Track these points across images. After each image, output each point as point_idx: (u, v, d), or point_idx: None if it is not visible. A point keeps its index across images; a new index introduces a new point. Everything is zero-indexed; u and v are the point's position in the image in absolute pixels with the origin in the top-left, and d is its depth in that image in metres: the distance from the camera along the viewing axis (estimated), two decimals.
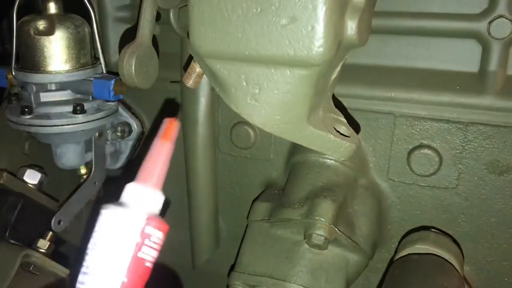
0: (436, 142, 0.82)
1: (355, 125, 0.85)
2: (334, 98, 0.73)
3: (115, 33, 1.01)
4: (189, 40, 0.61)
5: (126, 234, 0.43)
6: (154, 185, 0.47)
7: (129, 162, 1.07)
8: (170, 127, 0.48)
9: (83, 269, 0.43)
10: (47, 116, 0.85)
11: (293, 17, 0.54)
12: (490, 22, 0.75)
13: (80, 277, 0.43)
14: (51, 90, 0.87)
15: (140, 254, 0.43)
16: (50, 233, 0.90)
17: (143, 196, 0.45)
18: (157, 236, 0.44)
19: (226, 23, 0.57)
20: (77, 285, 0.43)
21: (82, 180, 0.97)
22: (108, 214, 0.44)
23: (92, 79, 0.87)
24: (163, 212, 0.47)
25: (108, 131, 0.98)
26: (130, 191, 0.46)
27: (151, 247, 0.44)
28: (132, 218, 0.43)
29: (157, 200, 0.46)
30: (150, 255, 0.44)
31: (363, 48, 0.63)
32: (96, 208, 1.06)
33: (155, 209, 0.46)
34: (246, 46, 0.57)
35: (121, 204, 0.45)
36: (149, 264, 0.44)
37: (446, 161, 0.82)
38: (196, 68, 0.69)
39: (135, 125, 1.04)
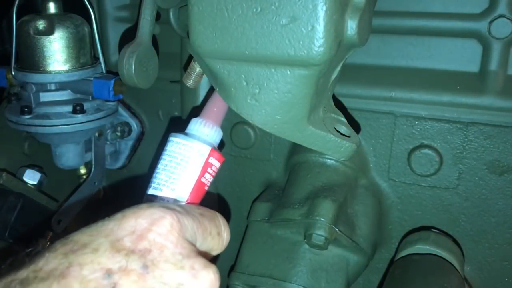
0: (437, 142, 0.82)
1: (355, 125, 0.85)
2: (334, 98, 0.73)
3: (115, 33, 1.01)
4: (189, 39, 0.61)
5: (194, 161, 0.50)
6: (216, 122, 0.55)
7: (129, 162, 1.07)
8: None
9: (153, 185, 0.50)
10: (47, 116, 0.85)
11: (293, 16, 0.54)
12: (490, 22, 0.75)
13: (150, 191, 0.49)
14: (50, 90, 0.87)
15: (202, 179, 0.50)
16: (50, 233, 0.90)
17: (207, 130, 0.54)
18: (216, 166, 0.52)
19: (226, 22, 0.57)
20: (147, 197, 0.49)
21: (82, 180, 0.97)
22: (178, 142, 0.51)
23: (92, 79, 0.87)
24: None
25: (108, 131, 0.98)
26: (196, 124, 0.54)
27: (210, 174, 0.51)
28: (200, 149, 0.51)
29: (217, 135, 0.54)
30: (208, 180, 0.51)
31: (363, 48, 0.63)
32: (96, 208, 1.06)
33: (215, 142, 0.54)
34: (246, 46, 0.57)
35: (188, 135, 0.53)
36: (206, 188, 0.51)
37: (447, 161, 0.82)
38: (196, 68, 0.69)
39: (135, 125, 1.04)
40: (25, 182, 0.93)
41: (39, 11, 0.87)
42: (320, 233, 0.73)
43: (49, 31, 0.84)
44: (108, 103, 0.91)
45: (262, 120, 0.61)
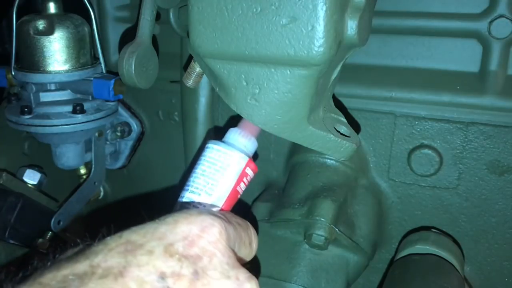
0: (437, 142, 0.82)
1: (355, 125, 0.85)
2: (334, 98, 0.73)
3: (115, 33, 1.01)
4: (189, 39, 0.61)
5: (233, 170, 0.52)
6: (253, 133, 0.57)
7: (129, 162, 1.07)
8: None
9: (191, 189, 0.51)
10: (47, 116, 0.85)
11: (293, 16, 0.54)
12: (490, 22, 0.75)
13: (188, 194, 0.51)
14: (50, 90, 0.87)
15: (238, 188, 0.52)
16: (50, 233, 0.90)
17: (245, 141, 0.55)
18: (251, 175, 0.54)
19: (226, 22, 0.57)
20: (184, 199, 0.51)
21: (82, 180, 0.97)
22: (219, 150, 0.52)
23: (92, 79, 0.87)
24: None
25: (108, 131, 0.98)
26: (235, 134, 0.56)
27: (245, 183, 0.53)
28: (239, 158, 0.52)
29: (253, 145, 0.56)
30: (242, 189, 0.53)
31: (363, 48, 0.63)
32: (96, 209, 1.06)
33: (251, 153, 0.55)
34: (246, 46, 0.57)
35: (226, 143, 0.54)
36: (239, 196, 0.53)
37: (447, 161, 0.82)
38: (196, 68, 0.69)
39: (135, 125, 1.04)
40: (25, 182, 0.93)
41: (39, 11, 0.87)
42: (320, 233, 0.73)
43: (49, 31, 0.84)
44: (108, 103, 0.91)
45: (262, 120, 0.61)
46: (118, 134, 1.01)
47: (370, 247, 0.80)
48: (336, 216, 0.75)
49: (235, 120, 0.61)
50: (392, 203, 0.88)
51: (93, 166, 0.94)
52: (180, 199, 0.51)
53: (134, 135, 1.04)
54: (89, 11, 0.86)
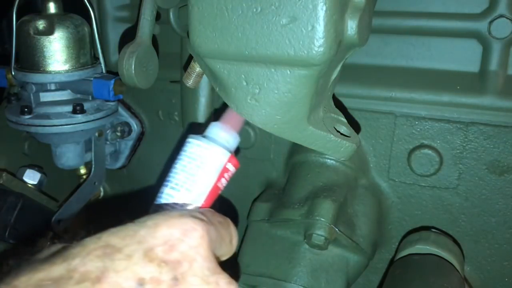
0: (437, 142, 0.82)
1: (355, 125, 0.85)
2: (334, 98, 0.73)
3: (115, 33, 1.01)
4: (189, 39, 0.61)
5: (213, 166, 0.50)
6: (235, 128, 0.55)
7: (129, 162, 1.07)
8: None
9: (170, 184, 0.49)
10: (47, 116, 0.85)
11: (293, 16, 0.54)
12: (490, 22, 0.75)
13: (167, 190, 0.49)
14: (50, 90, 0.87)
15: (219, 184, 0.50)
16: (50, 233, 0.90)
17: (227, 135, 0.53)
18: (232, 171, 0.52)
19: (226, 22, 0.57)
20: (163, 195, 0.49)
21: (82, 180, 0.97)
22: (199, 145, 0.51)
23: (92, 79, 0.87)
24: None
25: (108, 131, 0.98)
26: (216, 128, 0.54)
27: (226, 179, 0.51)
28: (219, 154, 0.51)
29: (235, 140, 0.54)
30: (223, 185, 0.51)
31: (363, 48, 0.63)
32: (96, 209, 1.06)
33: (233, 148, 0.53)
34: (246, 46, 0.57)
35: (208, 138, 0.52)
36: (219, 192, 0.51)
37: (447, 161, 0.82)
38: (196, 68, 0.69)
39: (135, 125, 1.04)
40: (25, 182, 0.93)
41: (39, 11, 0.87)
42: (320, 233, 0.73)
43: (49, 31, 0.84)
44: (108, 103, 0.91)
45: (262, 120, 0.61)
46: (118, 134, 1.01)
47: (370, 247, 0.80)
48: (336, 216, 0.75)
49: (218, 114, 0.60)
50: (392, 203, 0.88)
51: (93, 166, 0.94)
52: (160, 194, 0.50)
53: (134, 135, 1.04)
54: (89, 11, 0.86)
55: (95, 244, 0.36)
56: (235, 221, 0.48)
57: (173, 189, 0.49)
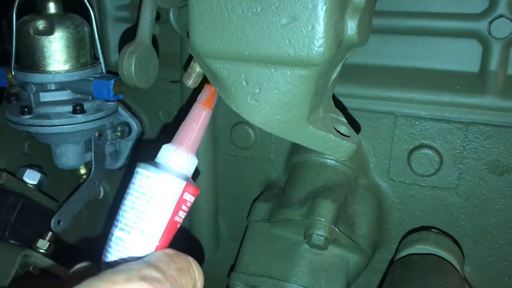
0: (437, 142, 0.82)
1: (355, 125, 0.85)
2: (334, 98, 0.73)
3: (115, 33, 1.01)
4: (189, 39, 0.61)
5: (166, 200, 0.43)
6: (190, 149, 0.47)
7: (129, 162, 1.07)
8: (212, 94, 0.50)
9: (120, 225, 0.43)
10: (47, 116, 0.85)
11: (293, 16, 0.54)
12: (490, 22, 0.75)
13: (117, 232, 0.43)
14: (50, 90, 0.87)
15: (176, 218, 0.44)
16: (50, 233, 0.90)
17: (181, 159, 0.46)
18: (190, 201, 0.45)
19: (226, 22, 0.57)
20: (113, 238, 0.43)
21: (82, 180, 0.97)
22: (148, 176, 0.44)
23: (92, 79, 0.87)
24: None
25: (108, 131, 0.98)
26: (167, 152, 0.46)
27: (184, 211, 0.44)
28: (172, 185, 0.43)
29: (192, 164, 0.46)
30: (182, 218, 0.45)
31: (363, 48, 0.63)
32: (96, 208, 1.06)
33: (190, 173, 0.46)
34: (246, 46, 0.57)
35: (158, 165, 0.45)
36: (178, 226, 0.45)
37: (447, 161, 0.82)
38: (196, 68, 0.69)
39: (135, 125, 1.04)
40: (25, 182, 0.93)
41: (39, 11, 0.87)
42: (320, 233, 0.73)
43: (49, 31, 0.84)
44: (108, 103, 0.91)
45: (262, 120, 0.61)
46: (118, 134, 1.01)
47: (370, 247, 0.80)
48: (336, 216, 0.75)
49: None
50: (392, 203, 0.88)
51: (93, 166, 0.94)
52: (110, 237, 0.44)
53: (134, 135, 1.04)
54: (89, 11, 0.86)
55: None
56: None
57: (123, 231, 0.43)
